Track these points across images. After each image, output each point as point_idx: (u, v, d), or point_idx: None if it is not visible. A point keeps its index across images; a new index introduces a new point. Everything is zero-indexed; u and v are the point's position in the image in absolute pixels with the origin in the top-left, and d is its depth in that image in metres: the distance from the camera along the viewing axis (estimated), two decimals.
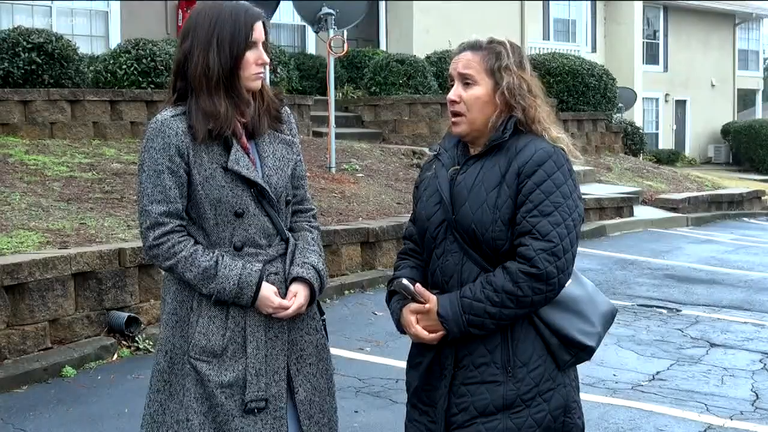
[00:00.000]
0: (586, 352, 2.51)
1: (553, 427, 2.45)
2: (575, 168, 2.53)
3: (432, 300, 2.46)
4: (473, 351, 2.45)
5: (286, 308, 2.54)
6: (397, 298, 2.57)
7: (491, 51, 2.51)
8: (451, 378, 2.48)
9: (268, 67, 2.70)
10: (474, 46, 2.53)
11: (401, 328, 2.56)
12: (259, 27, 2.58)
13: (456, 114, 2.53)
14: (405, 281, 2.49)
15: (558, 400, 2.46)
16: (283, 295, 2.59)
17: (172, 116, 2.54)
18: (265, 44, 2.62)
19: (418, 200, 2.63)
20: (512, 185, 2.42)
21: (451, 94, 2.53)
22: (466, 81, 2.50)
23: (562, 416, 2.47)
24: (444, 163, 2.57)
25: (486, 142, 2.50)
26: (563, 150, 2.49)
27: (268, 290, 2.52)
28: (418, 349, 2.57)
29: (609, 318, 2.59)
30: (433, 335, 2.46)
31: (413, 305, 2.50)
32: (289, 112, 2.76)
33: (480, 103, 2.49)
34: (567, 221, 2.40)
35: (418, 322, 2.48)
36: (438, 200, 2.53)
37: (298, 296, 2.58)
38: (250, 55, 2.56)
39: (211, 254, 2.52)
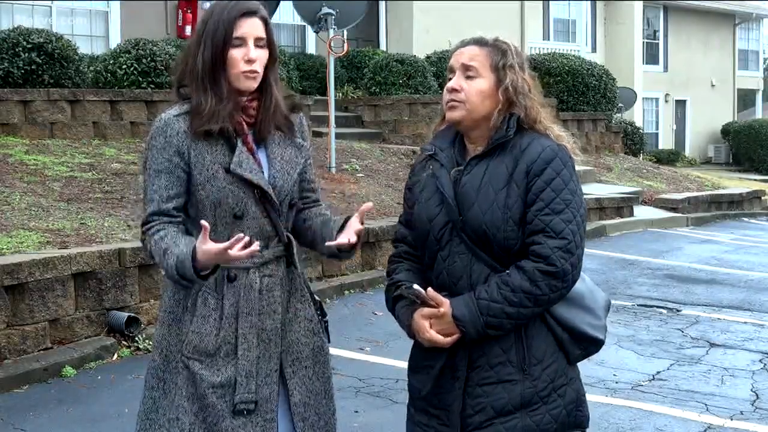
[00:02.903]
0: (595, 345, 2.54)
1: (567, 422, 2.47)
2: (576, 168, 2.53)
3: (445, 303, 2.43)
4: (488, 351, 2.44)
5: (228, 248, 2.32)
6: (404, 304, 2.53)
7: (497, 48, 2.51)
8: (465, 380, 2.46)
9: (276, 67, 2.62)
10: (480, 42, 2.53)
11: (412, 333, 2.53)
12: (245, 23, 2.51)
13: (454, 101, 2.50)
14: (416, 286, 2.45)
15: (571, 394, 2.48)
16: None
17: (176, 115, 2.53)
18: (268, 41, 2.56)
19: (414, 202, 2.59)
20: (521, 184, 2.41)
21: (452, 83, 2.50)
22: (469, 74, 2.49)
23: (575, 410, 2.49)
24: (443, 164, 2.54)
25: (489, 141, 2.48)
26: (566, 147, 2.49)
27: (203, 244, 2.34)
28: (427, 353, 2.52)
29: (607, 310, 2.63)
30: (448, 339, 2.44)
31: (426, 310, 2.46)
32: (302, 116, 2.72)
33: (480, 97, 2.48)
34: (577, 218, 2.41)
35: (431, 327, 2.46)
36: (439, 201, 2.50)
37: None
38: (235, 53, 2.51)
39: (174, 238, 2.46)
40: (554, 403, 2.44)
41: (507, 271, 2.41)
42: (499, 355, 2.44)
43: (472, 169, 2.49)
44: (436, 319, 2.45)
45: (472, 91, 2.48)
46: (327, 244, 2.57)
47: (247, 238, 2.34)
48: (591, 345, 2.52)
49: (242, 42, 2.51)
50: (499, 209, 2.40)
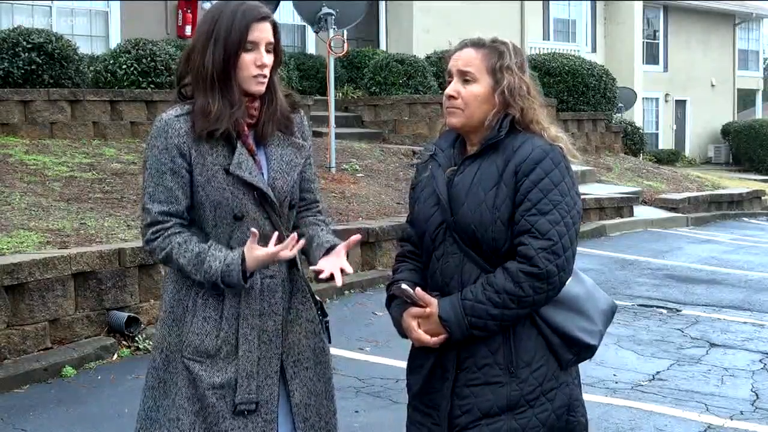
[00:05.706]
0: (588, 351, 2.51)
1: (557, 426, 2.45)
2: (575, 168, 2.52)
3: (433, 303, 2.44)
4: (475, 353, 2.44)
5: (280, 251, 2.41)
6: (397, 303, 2.55)
7: (494, 50, 2.50)
8: (454, 380, 2.47)
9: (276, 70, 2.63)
10: (477, 44, 2.52)
11: (402, 332, 2.54)
12: (259, 27, 2.52)
13: (453, 107, 2.51)
14: (405, 285, 2.47)
15: (561, 398, 2.46)
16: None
17: (176, 116, 2.53)
18: (275, 45, 2.56)
19: (415, 201, 2.61)
20: (510, 184, 2.41)
21: (450, 90, 2.51)
22: (466, 78, 2.49)
23: (566, 414, 2.47)
24: (441, 164, 2.55)
25: (482, 141, 2.49)
26: (561, 148, 2.48)
27: (252, 250, 2.41)
28: (419, 352, 2.55)
29: (609, 315, 2.59)
30: (435, 339, 2.45)
31: (414, 309, 2.48)
32: (303, 116, 2.72)
33: (478, 101, 2.48)
34: (566, 219, 2.39)
35: (419, 327, 2.47)
36: (435, 201, 2.51)
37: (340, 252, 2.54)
38: (247, 57, 2.51)
39: (204, 241, 2.50)
40: (542, 406, 2.42)
41: (494, 273, 2.41)
42: (487, 356, 2.43)
43: (464, 170, 2.49)
44: (424, 318, 2.46)
45: (469, 97, 2.48)
46: (311, 268, 2.59)
47: (294, 235, 2.44)
48: (583, 350, 2.49)
49: (255, 47, 2.52)
50: (487, 209, 2.40)
